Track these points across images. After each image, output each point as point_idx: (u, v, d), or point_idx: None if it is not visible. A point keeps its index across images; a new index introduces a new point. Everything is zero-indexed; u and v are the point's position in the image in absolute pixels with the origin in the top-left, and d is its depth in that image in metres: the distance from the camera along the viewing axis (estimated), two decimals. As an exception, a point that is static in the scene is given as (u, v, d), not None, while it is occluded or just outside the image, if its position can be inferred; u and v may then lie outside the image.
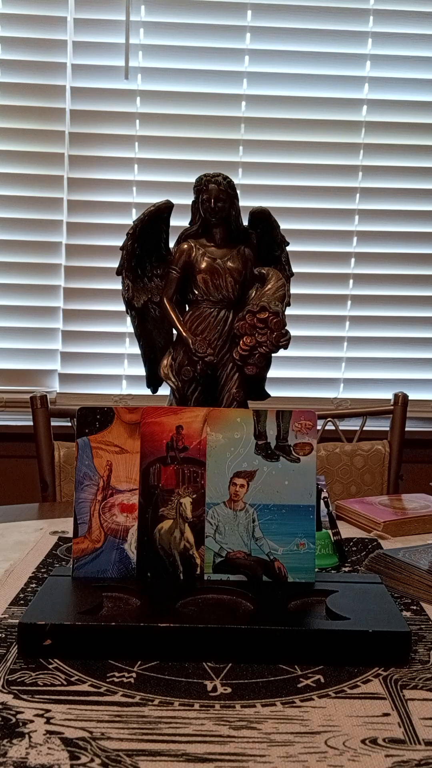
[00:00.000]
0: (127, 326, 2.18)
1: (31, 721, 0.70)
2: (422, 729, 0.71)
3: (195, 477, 1.00)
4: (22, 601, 0.98)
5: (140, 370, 1.32)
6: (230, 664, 0.82)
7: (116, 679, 0.78)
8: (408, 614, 0.97)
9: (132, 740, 0.68)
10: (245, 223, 1.27)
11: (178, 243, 1.26)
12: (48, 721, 0.70)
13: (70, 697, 0.75)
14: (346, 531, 1.32)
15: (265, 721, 0.71)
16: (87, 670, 0.80)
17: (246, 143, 2.27)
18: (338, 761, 0.65)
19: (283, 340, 1.20)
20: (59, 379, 2.30)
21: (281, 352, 1.21)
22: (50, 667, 0.81)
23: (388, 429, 1.89)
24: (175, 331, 1.26)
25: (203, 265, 1.23)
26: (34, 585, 1.04)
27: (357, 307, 2.34)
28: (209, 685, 0.78)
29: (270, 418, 1.01)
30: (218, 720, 0.71)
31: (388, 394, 1.95)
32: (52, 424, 1.74)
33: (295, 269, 1.31)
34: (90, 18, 2.20)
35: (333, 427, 1.88)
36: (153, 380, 1.32)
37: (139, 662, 0.82)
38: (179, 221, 1.28)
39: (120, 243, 1.25)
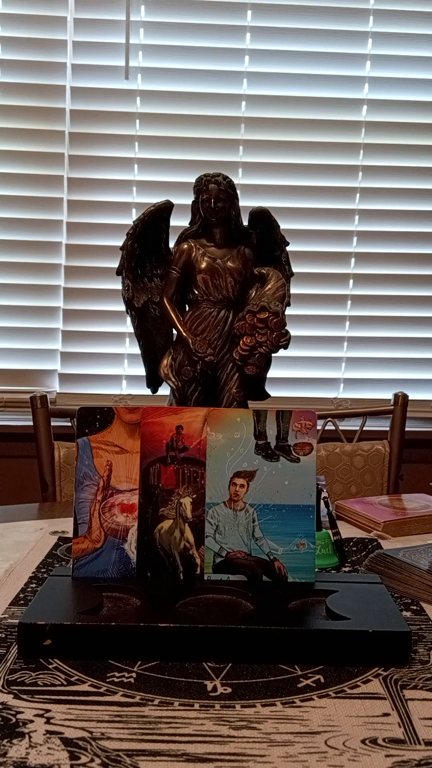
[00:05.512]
0: (127, 326, 2.17)
1: (31, 721, 0.70)
2: (422, 729, 0.71)
3: (195, 477, 1.00)
4: (22, 601, 0.98)
5: (140, 370, 1.32)
6: (230, 664, 0.82)
7: (116, 679, 0.78)
8: (408, 614, 0.97)
9: (132, 740, 0.68)
10: (245, 223, 1.27)
11: (178, 243, 1.26)
12: (48, 721, 0.70)
13: (70, 697, 0.75)
14: (346, 531, 1.32)
15: (265, 721, 0.71)
16: (87, 670, 0.80)
17: (246, 143, 2.27)
18: (338, 761, 0.65)
19: (283, 340, 1.20)
20: (59, 379, 2.30)
21: (281, 352, 1.21)
22: (50, 667, 0.81)
23: (388, 429, 1.89)
24: (175, 331, 1.26)
25: (203, 265, 1.23)
26: (34, 585, 1.04)
27: (357, 307, 2.34)
28: (209, 685, 0.78)
29: (270, 418, 1.01)
30: (218, 720, 0.71)
31: (388, 394, 1.95)
32: (52, 424, 1.74)
33: (295, 269, 1.31)
34: (90, 18, 2.20)
35: (333, 427, 1.88)
36: (153, 380, 1.32)
37: (139, 662, 0.82)
38: (179, 221, 1.28)
39: (120, 243, 1.25)
